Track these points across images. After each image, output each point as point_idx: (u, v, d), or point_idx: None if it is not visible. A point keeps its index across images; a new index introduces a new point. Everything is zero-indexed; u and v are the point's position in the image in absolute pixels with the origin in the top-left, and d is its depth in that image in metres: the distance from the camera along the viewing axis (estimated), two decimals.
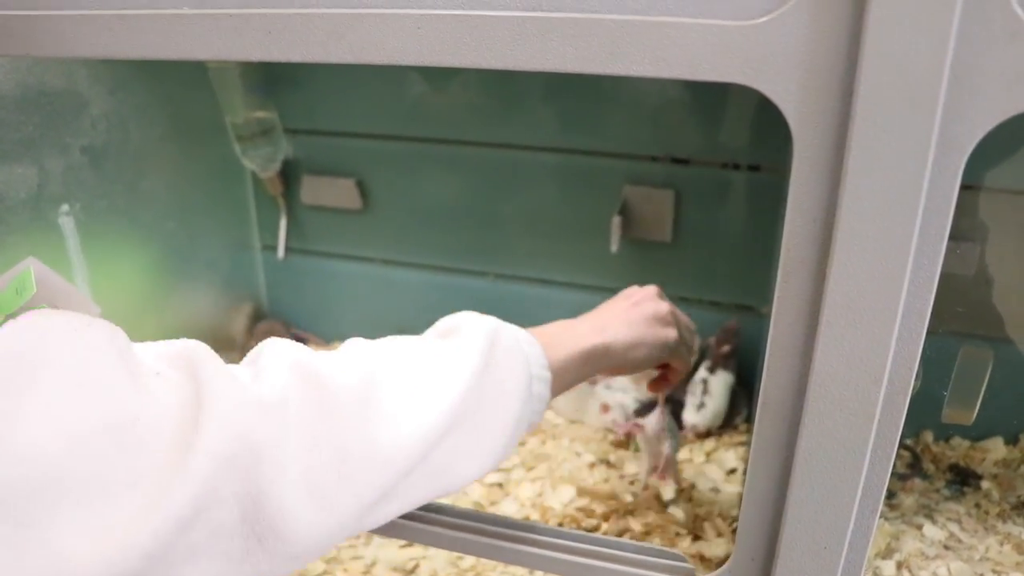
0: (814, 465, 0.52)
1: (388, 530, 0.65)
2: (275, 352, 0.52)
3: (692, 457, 1.20)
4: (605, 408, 1.26)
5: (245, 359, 0.54)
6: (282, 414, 0.48)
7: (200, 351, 0.49)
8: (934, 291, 0.47)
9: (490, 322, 0.63)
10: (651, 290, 0.82)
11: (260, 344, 0.54)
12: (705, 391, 1.23)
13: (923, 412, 0.51)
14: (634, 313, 0.77)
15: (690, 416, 1.23)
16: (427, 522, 0.65)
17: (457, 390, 0.56)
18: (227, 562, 0.45)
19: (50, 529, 0.38)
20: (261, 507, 0.46)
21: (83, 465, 0.40)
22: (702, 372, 1.26)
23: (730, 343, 1.26)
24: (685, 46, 0.46)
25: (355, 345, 0.58)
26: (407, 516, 0.65)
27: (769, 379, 0.52)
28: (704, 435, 1.24)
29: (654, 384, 0.89)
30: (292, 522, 0.47)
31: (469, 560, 1.05)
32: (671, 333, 0.79)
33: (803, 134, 0.45)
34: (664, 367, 0.87)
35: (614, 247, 1.18)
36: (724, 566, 0.59)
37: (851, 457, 0.51)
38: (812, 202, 0.46)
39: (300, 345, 0.54)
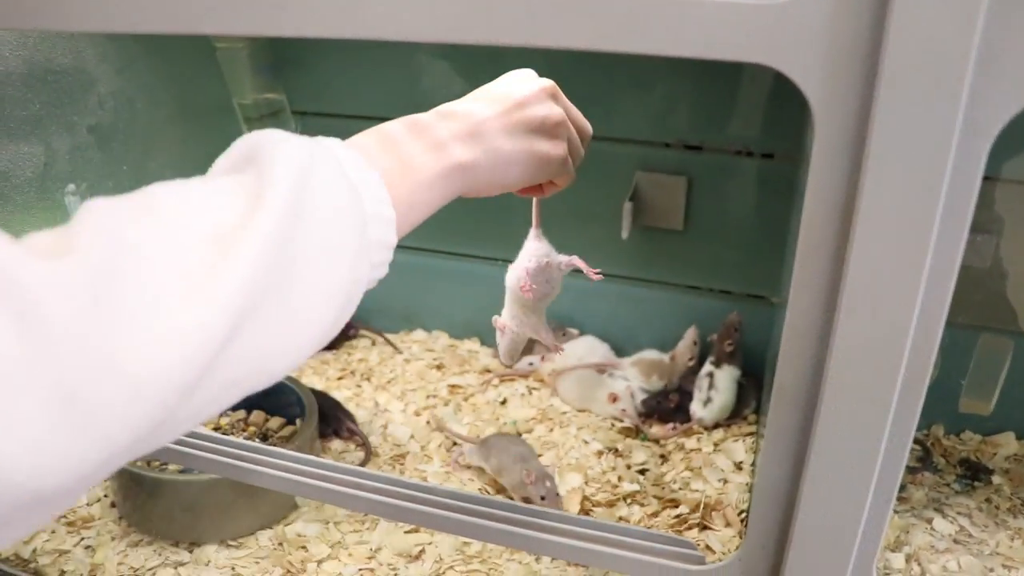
0: (829, 452, 0.51)
1: (393, 514, 0.65)
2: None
3: (700, 447, 1.20)
4: (613, 397, 1.25)
5: None
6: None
7: None
8: (954, 279, 0.46)
9: (301, 148, 0.43)
10: (544, 86, 0.62)
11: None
12: (711, 386, 1.22)
13: (934, 406, 0.50)
14: (515, 117, 0.59)
15: (697, 410, 1.22)
16: (434, 506, 0.64)
17: (245, 265, 0.37)
18: None
19: None
20: None
21: None
22: (707, 367, 1.25)
23: (732, 338, 1.25)
24: (705, 24, 0.45)
25: (93, 215, 0.37)
26: (412, 500, 0.64)
27: (784, 366, 0.51)
28: (712, 427, 1.23)
29: (525, 191, 0.69)
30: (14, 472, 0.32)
31: (475, 546, 1.04)
32: (557, 150, 0.61)
33: (825, 116, 0.44)
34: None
35: (625, 234, 1.16)
36: (735, 554, 0.58)
37: (866, 445, 0.50)
38: (832, 185, 0.45)
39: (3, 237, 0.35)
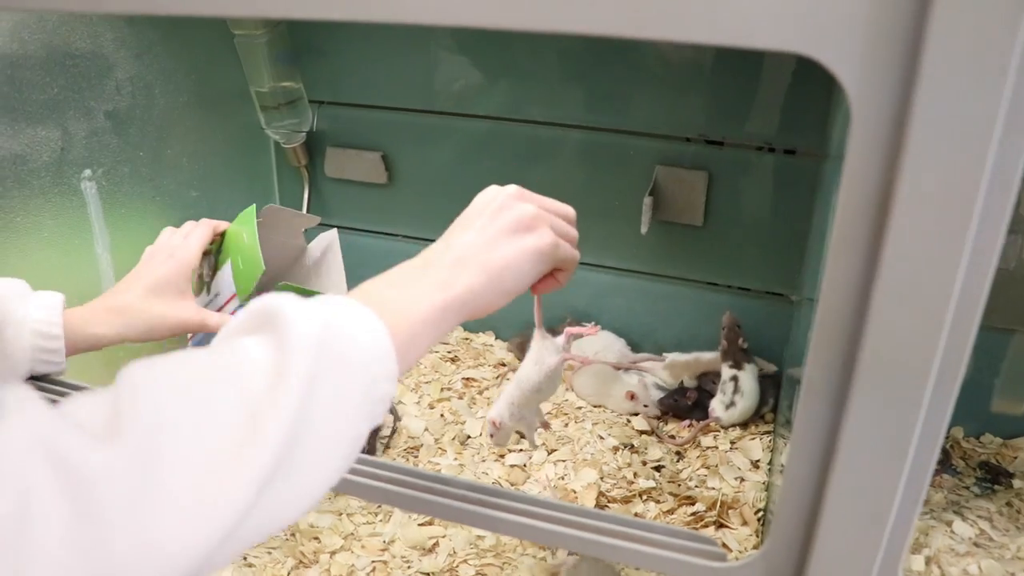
0: (857, 450, 0.50)
1: (408, 504, 0.64)
2: (19, 430, 0.37)
3: (717, 444, 1.18)
4: (631, 395, 1.24)
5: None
6: (24, 532, 0.35)
7: None
8: (991, 275, 0.45)
9: (316, 320, 0.46)
10: (509, 191, 0.65)
11: (4, 397, 0.40)
12: (736, 389, 1.21)
13: (955, 408, 0.49)
14: (492, 229, 0.61)
15: (718, 411, 1.20)
16: (451, 497, 0.63)
17: (270, 441, 0.42)
18: None
19: None
20: None
21: None
22: (729, 370, 1.23)
23: (742, 335, 1.24)
24: (740, 12, 0.43)
25: (135, 386, 0.42)
26: (427, 490, 0.63)
27: (814, 361, 0.50)
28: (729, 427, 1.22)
29: (536, 286, 0.68)
30: None
31: (489, 540, 1.03)
32: (541, 240, 0.62)
33: (863, 106, 0.43)
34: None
35: (644, 228, 1.15)
36: (759, 551, 0.57)
37: (896, 443, 0.49)
38: (868, 177, 0.44)
39: (54, 411, 0.40)
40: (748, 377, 1.21)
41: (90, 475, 0.37)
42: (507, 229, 0.62)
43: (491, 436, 0.88)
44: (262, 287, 0.88)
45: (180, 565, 0.39)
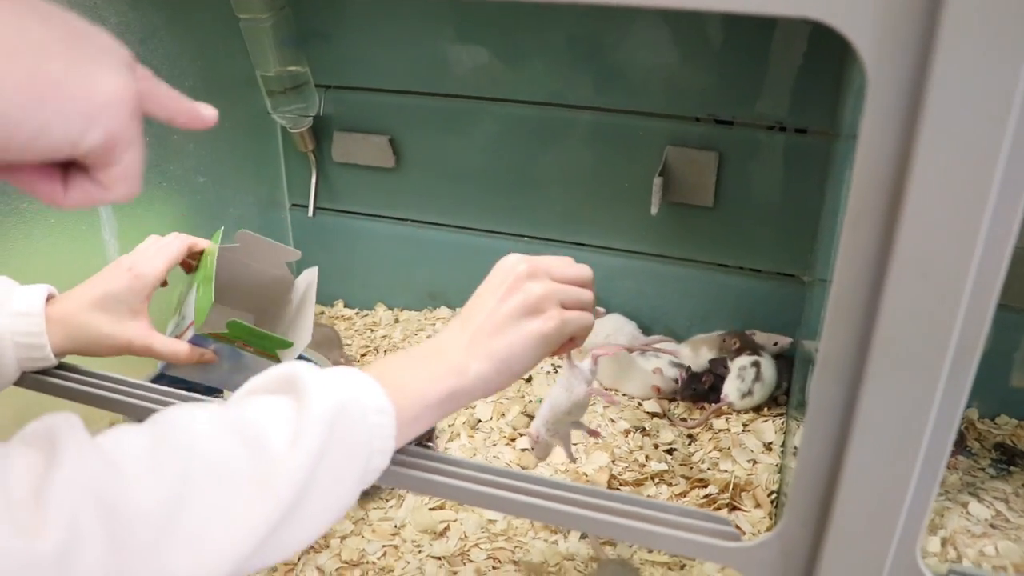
0: (874, 428, 0.49)
1: (420, 487, 0.63)
2: (69, 478, 0.42)
3: (730, 427, 1.17)
4: (657, 390, 1.24)
5: (33, 432, 0.45)
6: (66, 566, 0.40)
7: None
8: (1010, 251, 0.44)
9: (339, 399, 0.52)
10: (520, 271, 0.66)
11: (54, 422, 0.45)
12: (757, 377, 1.20)
13: (970, 389, 0.48)
14: (499, 314, 0.64)
15: (732, 397, 1.19)
16: (463, 479, 0.63)
17: (275, 506, 0.48)
18: None
19: None
20: None
21: None
22: (749, 356, 1.23)
23: (748, 339, 1.25)
24: None
25: (167, 435, 0.47)
26: (438, 472, 0.63)
27: (829, 338, 0.49)
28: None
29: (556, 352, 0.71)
30: None
31: (500, 524, 1.03)
32: (547, 324, 0.64)
33: (879, 75, 0.42)
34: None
35: (654, 210, 1.14)
36: (773, 531, 0.56)
37: (913, 421, 0.48)
38: (884, 148, 0.43)
39: (99, 453, 0.44)
40: (769, 364, 1.20)
41: (127, 514, 0.42)
42: (514, 313, 0.64)
43: (531, 449, 0.91)
44: (213, 322, 0.82)
45: None
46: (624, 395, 1.27)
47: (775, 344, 1.25)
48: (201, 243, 0.88)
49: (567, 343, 0.69)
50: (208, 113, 0.50)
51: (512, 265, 0.67)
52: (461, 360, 0.62)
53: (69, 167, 0.42)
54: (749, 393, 1.19)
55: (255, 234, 0.93)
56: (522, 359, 0.64)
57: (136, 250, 0.85)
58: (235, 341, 0.82)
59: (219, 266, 0.85)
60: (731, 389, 1.20)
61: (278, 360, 0.85)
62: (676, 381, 1.24)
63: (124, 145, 0.42)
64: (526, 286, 0.65)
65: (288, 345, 0.85)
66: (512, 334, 0.63)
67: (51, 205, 0.43)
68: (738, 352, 1.24)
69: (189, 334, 0.82)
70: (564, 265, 0.68)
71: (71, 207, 0.43)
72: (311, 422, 0.50)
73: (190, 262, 0.89)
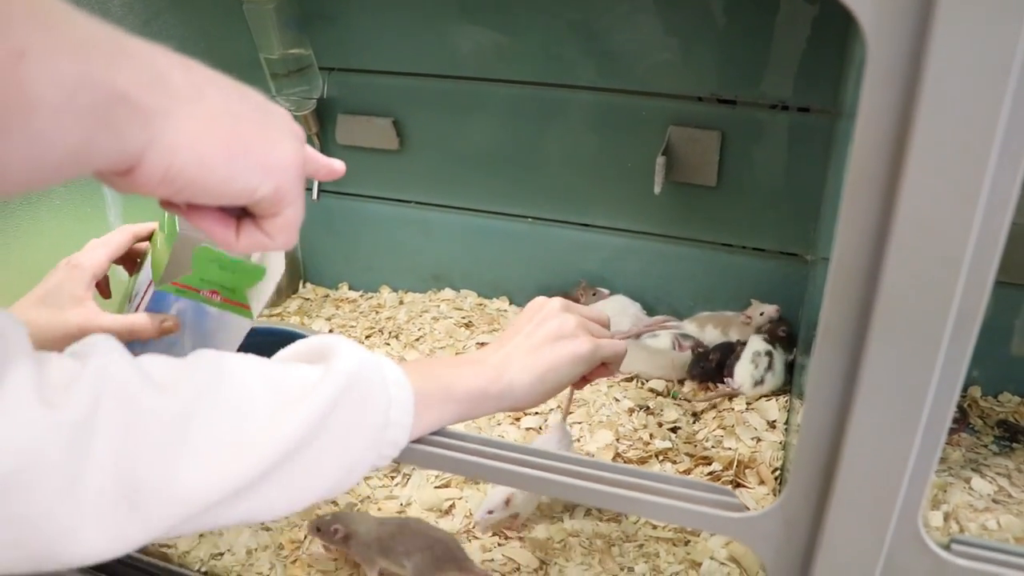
0: (875, 397, 0.49)
1: (425, 461, 0.63)
2: (99, 361, 0.46)
3: (733, 406, 1.18)
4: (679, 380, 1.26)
5: (77, 345, 0.49)
6: (81, 436, 0.44)
7: (12, 338, 0.44)
8: (1009, 218, 0.44)
9: (362, 360, 0.56)
10: (554, 304, 0.74)
11: (94, 339, 0.49)
12: (770, 367, 1.20)
13: (970, 367, 0.48)
14: (536, 337, 0.71)
15: (745, 386, 1.20)
16: (470, 453, 0.63)
17: (285, 437, 0.51)
18: None
19: None
20: (39, 529, 0.44)
21: None
22: (764, 343, 1.22)
23: (782, 326, 1.25)
24: None
25: (200, 361, 0.51)
26: (445, 446, 0.63)
27: (831, 306, 0.49)
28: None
29: (589, 376, 0.76)
30: (73, 545, 0.45)
31: None
32: (581, 345, 0.71)
33: (878, 42, 0.42)
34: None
35: (657, 189, 1.14)
36: (777, 501, 0.57)
37: (914, 389, 0.48)
38: (884, 117, 0.43)
39: (132, 358, 0.49)
40: (780, 358, 1.21)
41: (143, 412, 0.46)
42: (550, 336, 0.71)
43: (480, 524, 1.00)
44: (174, 271, 0.78)
45: (190, 499, 0.48)
46: (636, 377, 1.27)
47: (761, 314, 1.26)
48: (144, 229, 0.87)
49: (600, 368, 0.75)
50: (339, 167, 0.59)
51: (544, 301, 0.75)
52: (497, 367, 0.67)
53: (241, 217, 0.52)
54: (761, 382, 1.19)
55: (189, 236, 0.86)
56: (558, 374, 0.69)
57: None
58: (200, 290, 0.79)
59: (180, 255, 0.80)
60: (744, 374, 1.20)
61: (248, 315, 0.82)
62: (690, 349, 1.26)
63: (289, 200, 0.50)
64: (561, 315, 0.73)
65: (260, 272, 0.81)
66: (548, 352, 0.70)
67: (224, 247, 0.52)
68: (772, 331, 1.25)
69: (145, 303, 0.79)
70: (587, 308, 0.77)
71: (240, 251, 0.53)
72: (331, 374, 0.54)
73: (133, 261, 0.86)
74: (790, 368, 1.23)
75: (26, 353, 0.44)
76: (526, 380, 0.67)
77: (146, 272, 0.83)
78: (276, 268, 0.84)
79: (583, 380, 0.76)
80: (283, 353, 0.60)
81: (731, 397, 1.20)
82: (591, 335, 0.73)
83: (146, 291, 0.80)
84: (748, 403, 1.18)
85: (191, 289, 0.79)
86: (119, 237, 0.85)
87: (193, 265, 0.77)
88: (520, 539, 0.98)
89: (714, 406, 1.19)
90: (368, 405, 0.56)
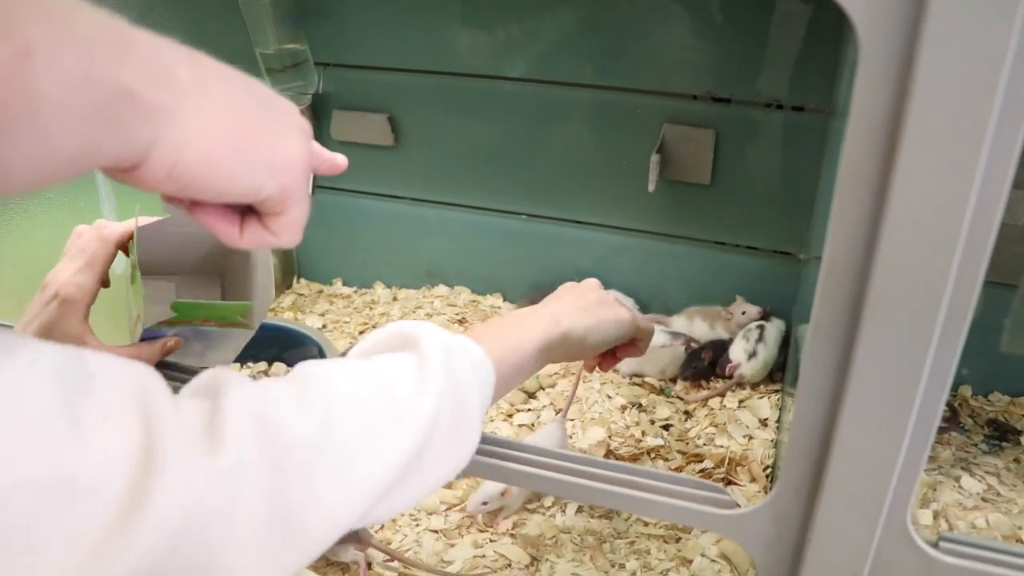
0: (866, 393, 0.50)
1: None
2: (232, 399, 0.47)
3: (725, 404, 1.18)
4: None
5: (198, 383, 0.51)
6: (236, 480, 0.45)
7: (154, 389, 0.44)
8: (1000, 215, 0.44)
9: (448, 346, 0.58)
10: (592, 282, 0.81)
11: (215, 374, 0.50)
12: (760, 338, 1.21)
13: (961, 365, 0.48)
14: (582, 300, 0.77)
15: (741, 362, 1.20)
16: None
17: (413, 434, 0.53)
18: None
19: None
20: (208, 572, 0.44)
21: (9, 521, 0.37)
22: (753, 321, 1.24)
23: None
24: None
25: (311, 381, 0.52)
26: None
27: (822, 303, 0.49)
28: (754, 383, 1.22)
29: (620, 352, 0.83)
30: None
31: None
32: (623, 312, 0.79)
33: (870, 39, 0.42)
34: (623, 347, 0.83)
35: (652, 187, 1.15)
36: (767, 498, 0.57)
37: (905, 386, 0.49)
38: (876, 114, 0.44)
39: (252, 385, 0.50)
40: (773, 329, 1.22)
41: (284, 440, 0.47)
42: (594, 302, 0.77)
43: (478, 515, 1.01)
44: (157, 311, 0.75)
45: (338, 517, 0.49)
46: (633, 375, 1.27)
47: (743, 313, 1.27)
48: (121, 228, 0.81)
49: (631, 347, 0.82)
50: (341, 161, 0.61)
51: (581, 282, 0.81)
52: (553, 315, 0.72)
53: (246, 213, 0.51)
54: (754, 354, 1.20)
55: (151, 219, 0.84)
56: (602, 334, 0.76)
57: (59, 264, 0.79)
58: (191, 321, 0.78)
59: (152, 244, 0.78)
60: (737, 350, 1.21)
61: (246, 326, 0.80)
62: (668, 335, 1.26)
63: (294, 199, 0.50)
64: (601, 291, 0.80)
65: (245, 307, 0.79)
66: (596, 310, 0.76)
67: (228, 243, 0.51)
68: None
69: (139, 330, 0.77)
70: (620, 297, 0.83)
71: (244, 247, 0.53)
72: (433, 369, 0.55)
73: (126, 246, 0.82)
74: (785, 343, 1.24)
75: (170, 403, 0.44)
76: (582, 325, 0.73)
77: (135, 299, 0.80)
78: (264, 296, 0.83)
79: (612, 357, 0.83)
80: (366, 345, 0.61)
81: (736, 387, 1.21)
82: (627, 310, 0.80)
83: (138, 321, 0.78)
84: (740, 401, 1.19)
85: (182, 323, 0.77)
86: (102, 253, 0.79)
87: (177, 316, 0.75)
88: (510, 535, 0.99)
89: (705, 403, 1.19)
90: (465, 389, 0.58)
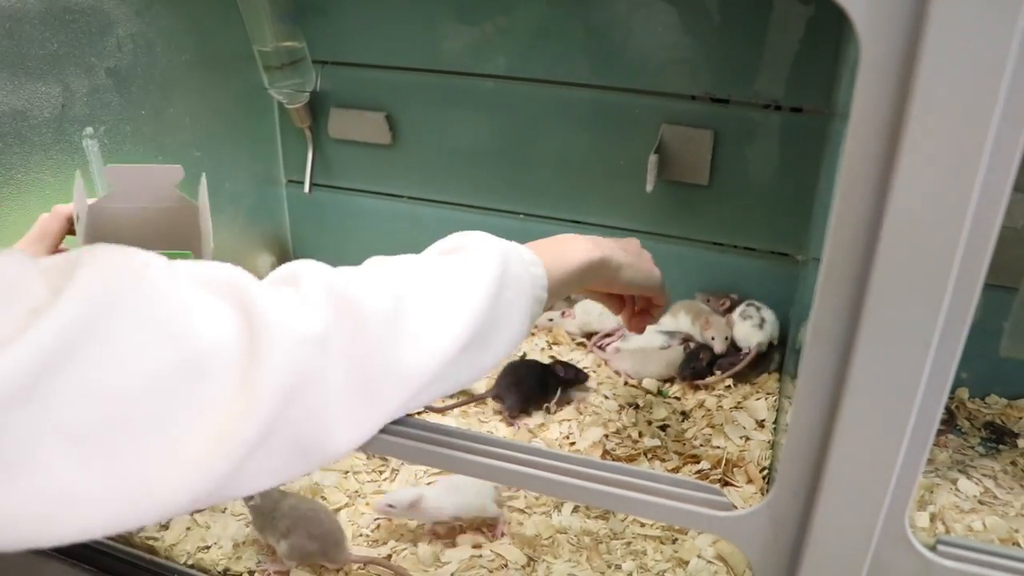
0: (864, 396, 0.49)
1: (414, 456, 0.63)
2: (313, 280, 0.55)
3: (722, 404, 1.18)
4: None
5: (278, 275, 0.58)
6: (325, 346, 0.52)
7: (242, 279, 0.52)
8: (1002, 214, 0.44)
9: (499, 245, 0.66)
10: (633, 239, 0.88)
11: (293, 265, 0.58)
12: (759, 310, 1.23)
13: (958, 368, 0.48)
14: (623, 243, 0.85)
15: (752, 336, 1.21)
16: (457, 449, 0.63)
17: (474, 313, 0.60)
18: (272, 474, 0.52)
19: (135, 460, 0.45)
20: (309, 430, 0.52)
21: (159, 400, 0.45)
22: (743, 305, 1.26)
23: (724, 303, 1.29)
24: None
25: (380, 265, 0.62)
26: (436, 443, 0.63)
27: (821, 304, 0.49)
28: (759, 356, 1.23)
29: (637, 321, 0.94)
30: (331, 441, 0.53)
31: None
32: (657, 269, 0.87)
33: (871, 40, 0.42)
34: (644, 306, 0.94)
35: (649, 187, 1.14)
36: (764, 500, 0.57)
37: (905, 388, 0.49)
38: (877, 115, 0.43)
39: (330, 269, 0.58)
40: (766, 307, 1.24)
41: (362, 313, 0.55)
42: (635, 250, 0.86)
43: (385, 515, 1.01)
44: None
45: (411, 380, 0.57)
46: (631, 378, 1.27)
47: (721, 304, 1.29)
48: (72, 205, 0.83)
49: (645, 315, 0.94)
50: None
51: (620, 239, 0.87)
52: (592, 240, 0.78)
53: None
54: (763, 321, 1.22)
55: (123, 165, 0.85)
56: (637, 271, 0.83)
57: (16, 243, 0.82)
58: None
59: (99, 223, 0.79)
60: (743, 330, 1.23)
61: (187, 255, 0.80)
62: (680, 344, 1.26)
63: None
64: (640, 247, 0.88)
65: (186, 255, 0.78)
66: (635, 258, 0.84)
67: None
68: (729, 309, 1.28)
69: None
70: None
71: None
72: (486, 261, 0.63)
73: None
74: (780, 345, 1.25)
75: (258, 286, 0.53)
76: (620, 259, 0.80)
77: None
78: (204, 246, 0.83)
79: (645, 315, 0.93)
80: (431, 251, 0.68)
81: (749, 366, 1.22)
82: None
83: None
84: (737, 403, 1.19)
85: None
86: (52, 226, 0.82)
87: None
88: (510, 536, 0.98)
89: (701, 404, 1.19)
90: (520, 283, 0.65)
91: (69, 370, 0.43)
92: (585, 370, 1.22)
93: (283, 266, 0.58)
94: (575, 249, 0.75)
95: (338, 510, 1.03)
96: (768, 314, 1.23)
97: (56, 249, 0.82)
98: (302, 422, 0.51)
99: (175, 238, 0.86)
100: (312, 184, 1.49)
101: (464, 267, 0.62)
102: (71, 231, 0.83)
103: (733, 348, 1.25)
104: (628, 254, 0.82)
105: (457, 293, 0.60)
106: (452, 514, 0.97)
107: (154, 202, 0.85)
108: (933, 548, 0.55)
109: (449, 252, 0.66)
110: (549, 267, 0.70)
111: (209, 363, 0.47)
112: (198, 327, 0.47)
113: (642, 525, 0.99)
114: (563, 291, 0.74)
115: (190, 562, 0.97)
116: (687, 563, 0.93)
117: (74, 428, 0.43)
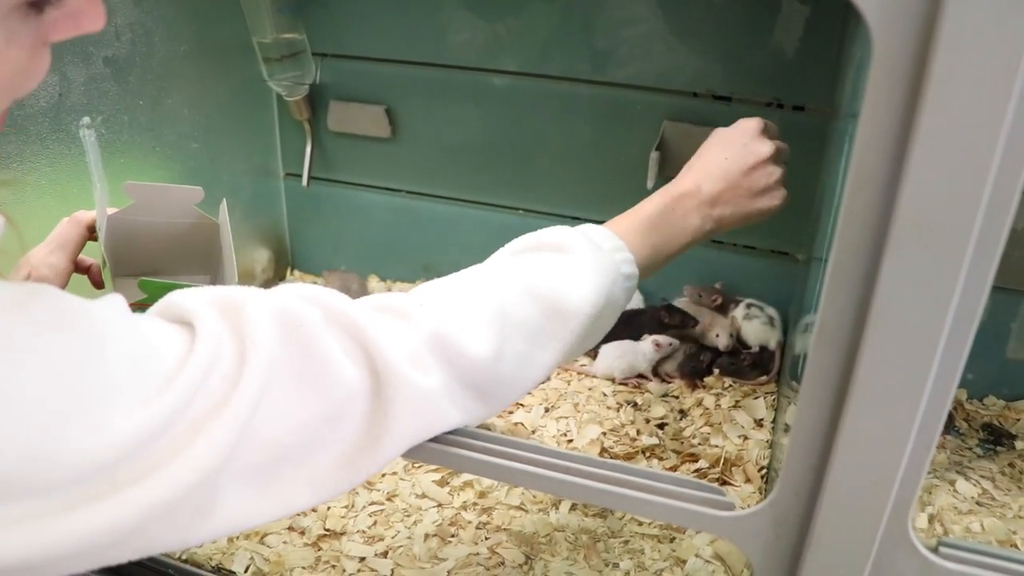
0: (870, 397, 0.49)
1: (416, 455, 0.63)
2: (426, 329, 0.60)
3: (720, 403, 1.18)
4: (656, 344, 1.25)
5: (381, 304, 0.62)
6: (443, 399, 0.60)
7: (363, 321, 0.57)
8: (1012, 216, 0.44)
9: (582, 236, 0.72)
10: (765, 149, 0.82)
11: (393, 299, 0.62)
12: (763, 308, 1.24)
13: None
14: (742, 187, 0.80)
15: (769, 334, 1.22)
16: (457, 446, 0.63)
17: (600, 289, 0.68)
18: None
19: (283, 487, 0.54)
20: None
21: (307, 442, 0.54)
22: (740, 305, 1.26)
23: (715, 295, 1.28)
24: None
25: (485, 304, 0.64)
26: (441, 441, 0.63)
27: (828, 304, 0.49)
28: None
29: None
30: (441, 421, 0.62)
31: (489, 500, 1.03)
32: (774, 201, 0.83)
33: (885, 39, 0.42)
34: None
35: (650, 184, 1.14)
36: (766, 500, 0.57)
37: (911, 390, 0.48)
38: (889, 113, 0.43)
39: (446, 311, 0.62)
40: (767, 305, 1.25)
41: (465, 360, 0.60)
42: (755, 191, 0.81)
43: None
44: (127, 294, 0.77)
45: (578, 317, 0.67)
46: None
47: (713, 299, 1.28)
48: (93, 212, 0.82)
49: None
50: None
51: (755, 133, 0.84)
52: (700, 219, 0.79)
53: None
54: (772, 323, 1.23)
55: (143, 183, 0.86)
56: (734, 223, 0.82)
57: (35, 248, 0.81)
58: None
59: (117, 234, 0.79)
60: (755, 328, 1.23)
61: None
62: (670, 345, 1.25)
63: None
64: (770, 168, 0.82)
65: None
66: (745, 206, 0.81)
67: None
68: (720, 306, 1.27)
69: None
70: (778, 144, 0.85)
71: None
72: (590, 273, 0.68)
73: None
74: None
75: (381, 333, 0.58)
76: (731, 221, 0.81)
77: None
78: (228, 278, 0.82)
79: None
80: (514, 247, 0.74)
81: (765, 373, 1.22)
82: (782, 186, 0.84)
83: None
84: (736, 401, 1.18)
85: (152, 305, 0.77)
86: (72, 234, 0.82)
87: (147, 297, 0.75)
88: (507, 533, 0.98)
89: (700, 402, 1.19)
90: (598, 258, 0.70)
91: (248, 427, 0.50)
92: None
93: (385, 297, 0.63)
94: (681, 235, 0.79)
95: (331, 506, 1.03)
96: (773, 312, 1.23)
97: (76, 256, 0.82)
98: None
99: (193, 255, 0.89)
100: (310, 177, 1.48)
101: (563, 270, 0.68)
102: (92, 238, 0.83)
103: (741, 346, 1.25)
104: (746, 204, 0.82)
105: (556, 299, 0.66)
106: None
107: (173, 218, 0.87)
108: (935, 550, 0.54)
109: (540, 249, 0.72)
110: (650, 254, 0.77)
111: (345, 407, 0.56)
112: (338, 376, 0.55)
113: (640, 524, 0.98)
114: (659, 261, 0.80)
115: (183, 556, 0.97)
116: (685, 562, 0.93)
117: (244, 473, 0.51)
